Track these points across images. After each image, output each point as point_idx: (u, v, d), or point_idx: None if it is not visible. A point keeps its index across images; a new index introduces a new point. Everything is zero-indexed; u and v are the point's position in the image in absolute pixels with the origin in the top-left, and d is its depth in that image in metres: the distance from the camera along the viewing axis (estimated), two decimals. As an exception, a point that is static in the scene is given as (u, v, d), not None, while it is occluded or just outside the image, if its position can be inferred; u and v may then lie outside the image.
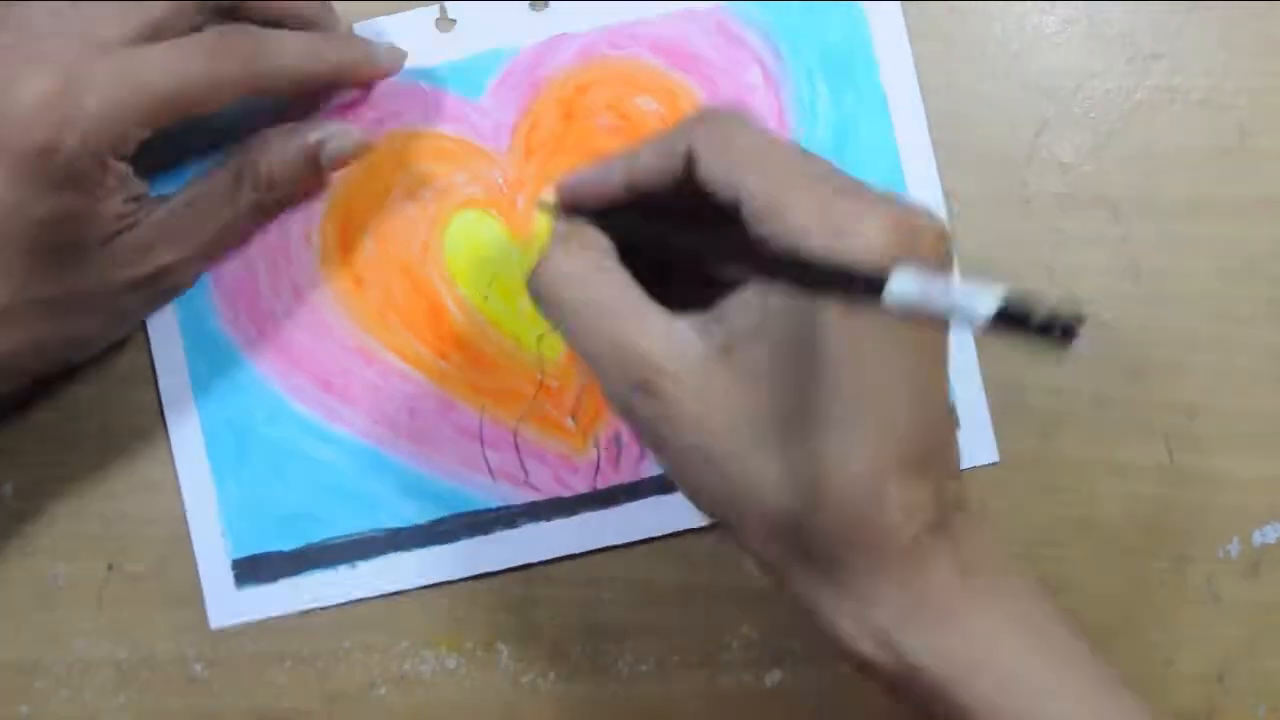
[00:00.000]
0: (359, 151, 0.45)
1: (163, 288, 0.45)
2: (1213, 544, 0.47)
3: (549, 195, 0.41)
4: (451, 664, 0.47)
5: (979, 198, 0.47)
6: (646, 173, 0.39)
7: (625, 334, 0.36)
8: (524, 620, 0.47)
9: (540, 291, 0.38)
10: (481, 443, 0.47)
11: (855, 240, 0.34)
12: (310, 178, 0.46)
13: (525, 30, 0.47)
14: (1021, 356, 0.47)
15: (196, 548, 0.47)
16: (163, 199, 0.43)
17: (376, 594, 0.47)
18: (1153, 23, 0.47)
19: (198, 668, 0.47)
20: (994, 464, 0.47)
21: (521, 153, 0.47)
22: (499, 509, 0.47)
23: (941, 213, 0.47)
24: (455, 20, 0.47)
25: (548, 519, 0.47)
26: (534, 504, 0.47)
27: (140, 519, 0.47)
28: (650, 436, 0.37)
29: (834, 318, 0.34)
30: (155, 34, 0.41)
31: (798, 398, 0.34)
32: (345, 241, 0.47)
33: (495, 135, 0.47)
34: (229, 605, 0.47)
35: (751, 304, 0.35)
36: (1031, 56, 0.48)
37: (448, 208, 0.47)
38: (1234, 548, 0.47)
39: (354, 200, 0.47)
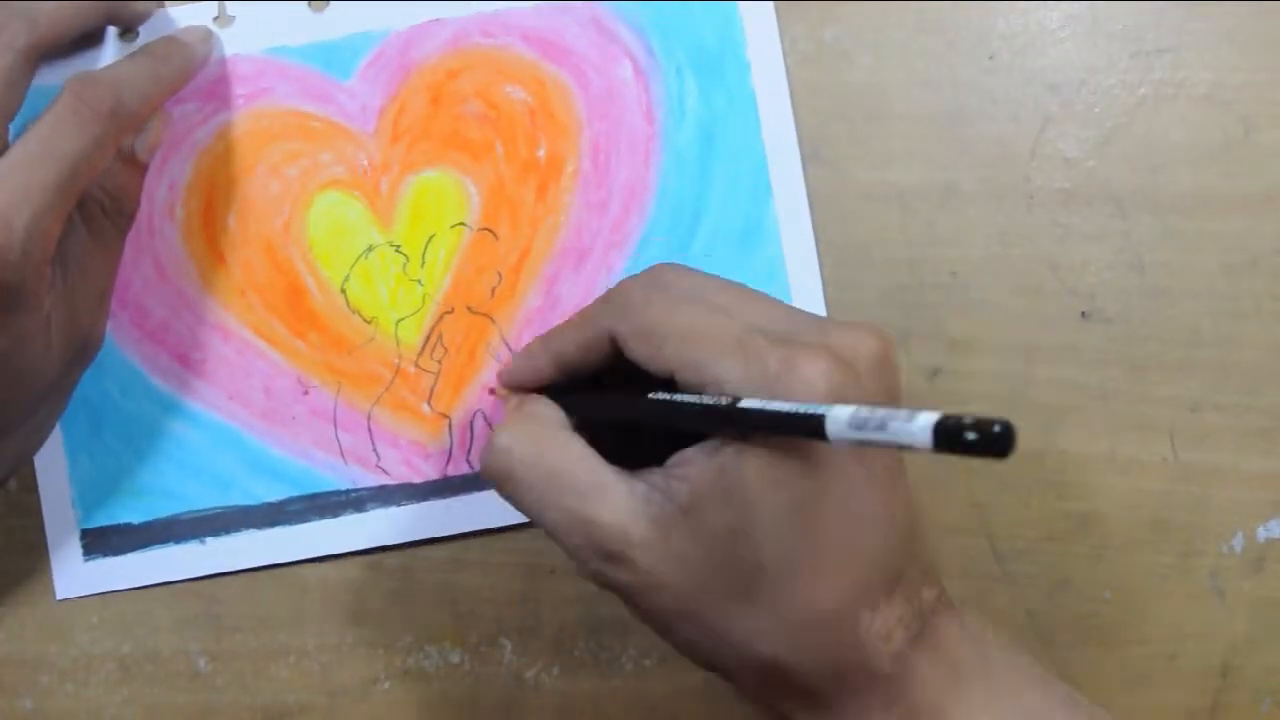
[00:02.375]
0: (164, 130, 0.45)
1: (88, 351, 0.45)
2: (1217, 539, 0.47)
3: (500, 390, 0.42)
4: (455, 659, 0.47)
5: (983, 193, 0.47)
6: (574, 361, 0.39)
7: (585, 506, 0.36)
8: (527, 615, 0.47)
9: (493, 468, 0.38)
10: (335, 424, 0.47)
11: (794, 395, 0.34)
12: (136, 177, 0.45)
13: (398, 14, 0.47)
14: (1022, 354, 0.47)
15: (46, 518, 0.47)
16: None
17: (224, 571, 0.47)
18: (1156, 18, 0.47)
19: (201, 662, 0.47)
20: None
21: (388, 136, 0.47)
22: (348, 491, 0.47)
23: (805, 221, 0.46)
24: (328, 1, 0.47)
25: (397, 504, 0.47)
26: (384, 488, 0.47)
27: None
28: (626, 600, 0.37)
29: (770, 464, 0.34)
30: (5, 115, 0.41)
31: (762, 547, 0.35)
32: (208, 216, 0.47)
33: (362, 117, 0.47)
34: (76, 577, 0.47)
35: (707, 455, 0.35)
36: (1035, 52, 0.47)
37: (311, 187, 0.47)
38: (1238, 542, 0.47)
39: (218, 175, 0.47)
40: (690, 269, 0.39)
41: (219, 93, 0.47)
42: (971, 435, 0.28)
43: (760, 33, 0.47)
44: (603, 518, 0.36)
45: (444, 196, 0.47)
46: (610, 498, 0.36)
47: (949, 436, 0.29)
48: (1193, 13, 0.47)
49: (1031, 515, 0.47)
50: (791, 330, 0.36)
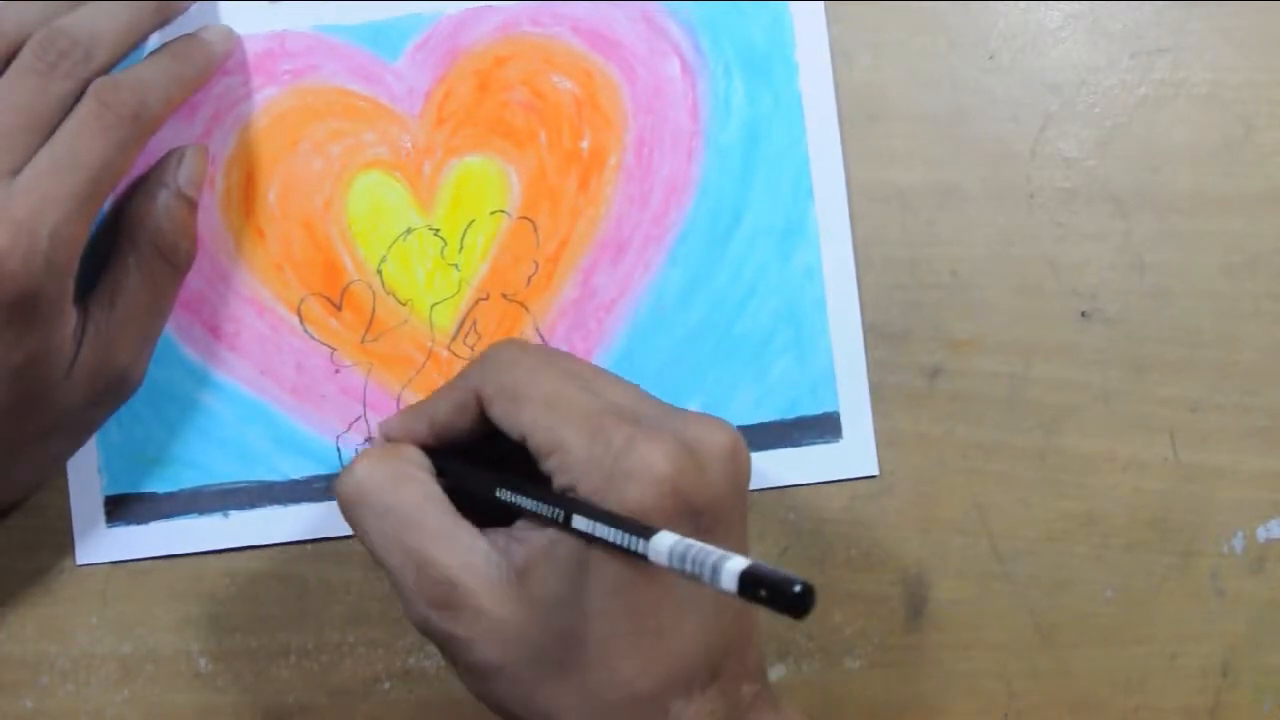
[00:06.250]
0: (204, 159, 0.45)
1: (121, 391, 0.45)
2: (1217, 539, 0.47)
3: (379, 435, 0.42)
4: (455, 659, 0.47)
5: (983, 193, 0.47)
6: (447, 423, 0.40)
7: (425, 547, 0.37)
8: (528, 615, 0.47)
9: (345, 492, 0.39)
10: (364, 405, 0.47)
11: (626, 486, 0.35)
12: (189, 214, 0.45)
13: (449, -3, 0.47)
14: (1022, 354, 0.47)
15: (71, 482, 0.47)
16: (85, 308, 0.43)
17: (246, 545, 0.47)
18: (1156, 18, 0.47)
19: (202, 662, 0.47)
20: (873, 477, 0.46)
21: (433, 119, 0.47)
22: None
23: (845, 225, 0.47)
24: (379, -19, 0.47)
25: None
26: None
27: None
28: (446, 651, 0.38)
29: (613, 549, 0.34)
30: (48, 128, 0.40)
31: (583, 622, 0.35)
32: (248, 190, 0.47)
33: (408, 99, 0.47)
34: (97, 543, 0.47)
35: (545, 525, 0.36)
36: (1035, 51, 0.47)
37: (353, 167, 0.47)
38: (1238, 542, 0.47)
39: (260, 149, 0.47)
40: (559, 350, 0.40)
41: (266, 67, 0.47)
42: (767, 591, 0.30)
43: (810, 34, 0.47)
44: (439, 561, 0.37)
45: (485, 183, 0.47)
46: (451, 546, 0.37)
47: (752, 586, 0.30)
48: (1193, 13, 0.47)
49: (1031, 515, 0.47)
50: (645, 414, 0.37)
